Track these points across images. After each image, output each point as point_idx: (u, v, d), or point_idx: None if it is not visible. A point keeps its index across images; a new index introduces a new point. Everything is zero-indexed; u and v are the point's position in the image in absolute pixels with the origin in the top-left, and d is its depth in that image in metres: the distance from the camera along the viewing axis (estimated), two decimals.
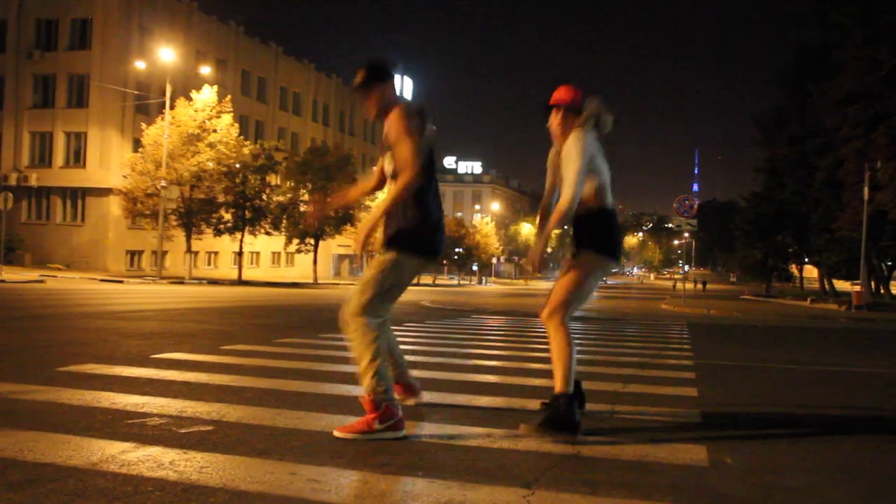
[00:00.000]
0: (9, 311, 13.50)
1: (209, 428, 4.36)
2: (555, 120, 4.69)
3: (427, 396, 5.47)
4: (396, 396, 4.52)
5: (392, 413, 4.25)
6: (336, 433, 4.23)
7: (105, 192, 45.16)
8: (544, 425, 4.32)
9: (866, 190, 29.67)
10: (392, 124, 4.35)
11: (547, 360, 8.63)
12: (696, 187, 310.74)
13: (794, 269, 73.10)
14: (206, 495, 3.10)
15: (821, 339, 15.33)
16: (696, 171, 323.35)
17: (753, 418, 5.44)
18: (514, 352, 9.86)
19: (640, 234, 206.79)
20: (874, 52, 33.60)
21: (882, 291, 45.83)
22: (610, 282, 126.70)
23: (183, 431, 4.21)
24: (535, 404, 5.58)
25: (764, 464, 4.06)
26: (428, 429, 4.54)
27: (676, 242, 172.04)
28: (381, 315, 4.44)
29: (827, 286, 54.61)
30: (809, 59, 43.53)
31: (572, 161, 4.39)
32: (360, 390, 4.34)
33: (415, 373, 6.57)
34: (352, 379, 6.50)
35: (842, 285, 56.03)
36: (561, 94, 4.69)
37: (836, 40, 38.56)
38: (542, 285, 75.81)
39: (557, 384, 4.44)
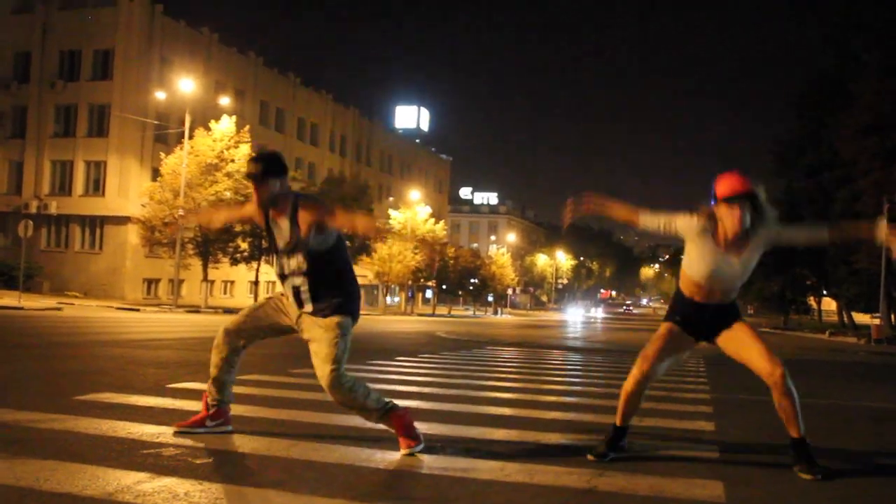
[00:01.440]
0: (27, 339, 13.58)
1: (225, 459, 4.37)
2: (734, 214, 4.40)
3: (441, 429, 5.46)
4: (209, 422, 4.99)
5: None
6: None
7: (123, 220, 45.46)
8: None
9: (884, 223, 29.45)
10: (314, 212, 4.64)
11: (560, 393, 8.64)
12: None
13: (812, 301, 72.56)
14: None
15: (841, 373, 15.20)
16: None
17: (771, 453, 5.38)
18: (528, 384, 9.84)
19: (657, 265, 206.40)
20: (892, 84, 33.55)
21: None
22: (633, 313, 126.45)
23: (199, 462, 4.22)
24: (551, 437, 5.57)
25: (782, 500, 4.03)
26: (442, 462, 4.52)
27: None
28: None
29: (846, 319, 54.21)
30: (825, 89, 43.45)
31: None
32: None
33: (429, 405, 6.57)
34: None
35: (861, 318, 55.58)
36: (744, 184, 4.42)
37: (852, 70, 38.54)
38: (550, 315, 75.71)
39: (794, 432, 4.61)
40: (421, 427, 4.85)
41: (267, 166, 4.71)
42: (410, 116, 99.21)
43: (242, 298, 52.80)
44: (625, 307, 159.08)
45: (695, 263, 4.60)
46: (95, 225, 47.00)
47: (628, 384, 4.77)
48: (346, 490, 3.79)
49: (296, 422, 5.71)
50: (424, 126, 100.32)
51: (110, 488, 3.58)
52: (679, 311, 4.78)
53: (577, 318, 74.70)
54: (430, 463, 4.47)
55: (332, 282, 4.72)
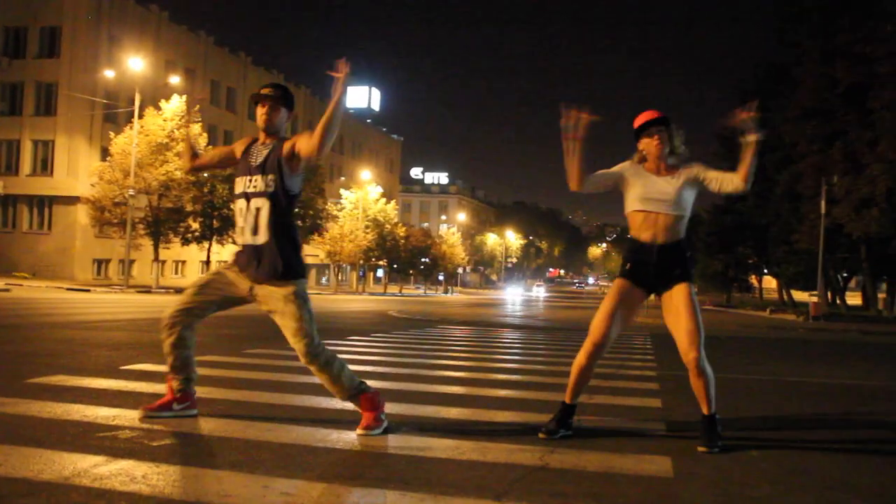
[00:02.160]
0: None
1: (181, 440, 4.35)
2: (652, 142, 4.77)
3: (396, 408, 5.48)
4: (176, 405, 4.94)
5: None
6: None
7: (72, 200, 44.70)
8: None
9: (823, 204, 30.12)
10: (299, 137, 4.64)
11: (512, 371, 8.71)
12: None
13: (753, 279, 73.88)
14: None
15: (781, 350, 15.53)
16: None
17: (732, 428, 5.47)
18: (481, 362, 9.92)
19: (604, 244, 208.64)
20: (830, 71, 34.12)
21: (838, 302, 46.50)
22: (578, 289, 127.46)
23: (155, 444, 4.19)
24: (503, 415, 5.63)
25: (729, 475, 4.11)
26: (396, 441, 4.55)
27: None
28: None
29: (786, 297, 55.30)
30: (768, 75, 44.09)
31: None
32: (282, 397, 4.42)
33: (382, 384, 6.59)
34: (322, 390, 6.50)
35: (800, 296, 56.74)
36: (655, 113, 4.82)
37: (794, 58, 39.15)
38: (496, 294, 75.96)
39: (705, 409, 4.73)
40: None
41: (285, 94, 4.76)
42: (361, 96, 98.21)
43: (193, 277, 52.05)
44: (577, 283, 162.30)
45: (632, 196, 4.81)
46: (44, 205, 45.99)
47: (580, 357, 4.83)
48: (302, 470, 3.80)
49: (252, 402, 5.69)
50: (375, 106, 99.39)
51: (66, 472, 3.53)
52: (629, 259, 4.88)
53: (517, 298, 70.85)
54: (386, 443, 4.50)
55: (289, 235, 4.65)
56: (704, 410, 4.73)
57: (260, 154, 4.66)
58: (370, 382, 5.02)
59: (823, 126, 34.95)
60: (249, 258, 4.64)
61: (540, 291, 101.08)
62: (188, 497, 3.28)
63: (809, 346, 16.94)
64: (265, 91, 4.72)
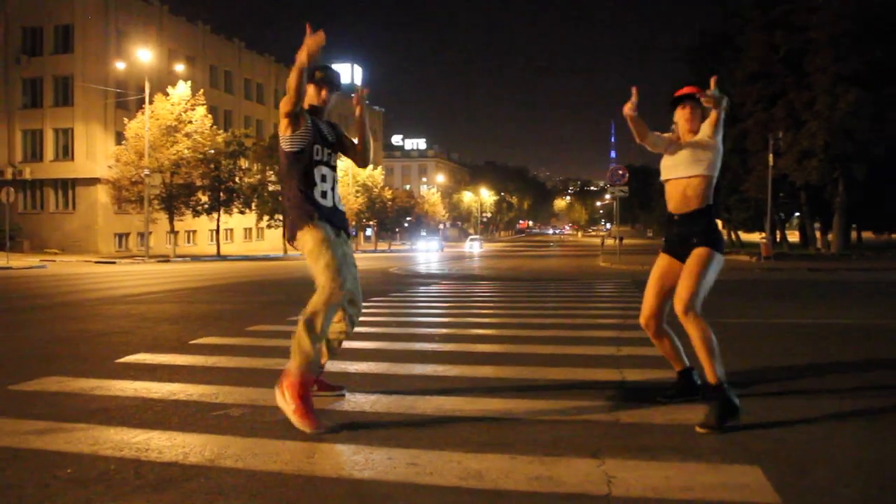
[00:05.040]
0: (31, 300, 13.00)
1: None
2: (684, 113, 4.55)
3: (505, 371, 5.46)
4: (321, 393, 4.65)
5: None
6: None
7: (93, 181, 44.34)
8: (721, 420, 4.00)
9: (770, 157, 30.30)
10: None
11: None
12: (613, 154, 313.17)
13: None
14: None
15: (761, 291, 15.22)
16: (612, 140, 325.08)
17: (757, 379, 5.36)
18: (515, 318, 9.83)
19: (568, 197, 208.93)
20: (771, 38, 34.34)
21: (779, 240, 46.93)
22: (551, 237, 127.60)
23: (269, 420, 4.15)
24: (552, 373, 5.50)
25: (782, 422, 4.12)
26: (501, 410, 4.54)
27: (599, 204, 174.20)
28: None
29: (734, 238, 55.79)
30: (713, 41, 43.97)
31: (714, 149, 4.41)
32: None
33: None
34: (368, 356, 6.46)
35: (745, 236, 57.33)
36: (688, 89, 4.56)
37: (736, 26, 39.20)
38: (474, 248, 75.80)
39: (710, 376, 4.11)
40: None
41: (339, 80, 4.57)
42: (345, 73, 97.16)
43: (204, 246, 52.23)
44: (555, 230, 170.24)
45: (663, 166, 4.61)
46: (67, 187, 45.56)
47: (652, 339, 4.63)
48: (372, 439, 3.81)
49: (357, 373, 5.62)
50: (358, 81, 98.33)
51: (208, 454, 3.50)
52: (665, 232, 4.70)
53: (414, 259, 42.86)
54: (492, 406, 4.49)
55: None
56: (678, 367, 4.62)
57: (326, 133, 4.47)
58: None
59: (767, 88, 35.16)
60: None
61: (474, 247, 72.79)
62: (329, 472, 3.29)
63: (780, 287, 16.77)
64: (327, 75, 4.51)
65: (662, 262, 4.60)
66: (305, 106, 4.37)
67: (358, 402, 4.63)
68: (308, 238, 4.20)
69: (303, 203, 4.25)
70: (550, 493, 3.02)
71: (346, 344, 5.04)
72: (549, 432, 3.92)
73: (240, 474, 3.23)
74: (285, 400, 4.01)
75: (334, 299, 4.10)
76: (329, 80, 4.47)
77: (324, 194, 4.32)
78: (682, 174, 4.45)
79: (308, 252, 4.20)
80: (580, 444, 3.69)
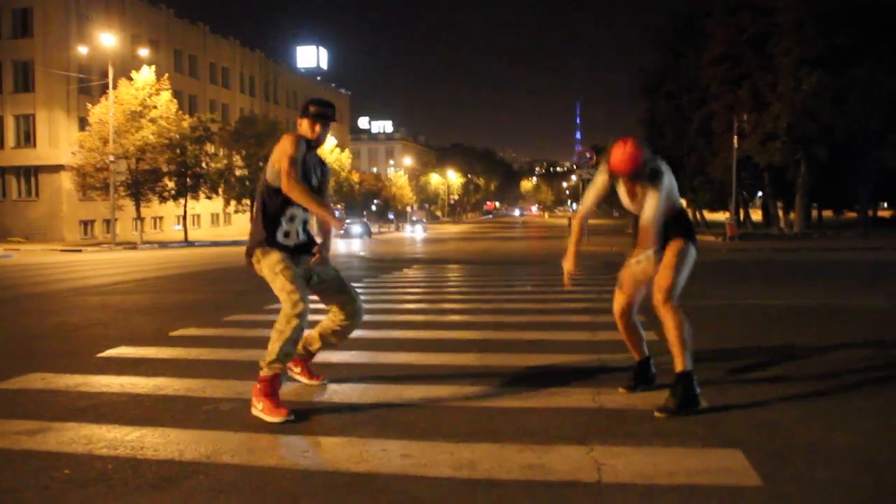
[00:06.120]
0: (1, 293, 12.91)
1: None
2: (627, 184, 4.45)
3: (486, 359, 5.52)
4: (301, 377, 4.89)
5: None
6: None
7: (56, 168, 43.57)
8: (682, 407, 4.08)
9: (735, 138, 30.69)
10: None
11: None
12: (578, 135, 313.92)
13: None
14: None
15: (735, 273, 15.31)
16: (578, 122, 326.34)
17: (728, 358, 5.51)
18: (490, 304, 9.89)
19: (534, 178, 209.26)
20: (737, 22, 34.72)
21: (743, 219, 47.53)
22: (517, 218, 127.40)
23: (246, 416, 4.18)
24: (535, 359, 5.57)
25: (759, 404, 4.24)
26: (486, 398, 4.63)
27: (565, 185, 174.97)
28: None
29: (699, 217, 56.37)
30: (680, 24, 44.22)
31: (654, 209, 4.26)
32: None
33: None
34: (350, 345, 6.40)
35: (710, 216, 57.91)
36: (628, 165, 4.23)
37: (703, 8, 39.50)
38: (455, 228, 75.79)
39: (679, 364, 4.18)
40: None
41: (333, 114, 4.63)
42: (311, 56, 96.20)
43: (171, 232, 51.64)
44: (521, 212, 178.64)
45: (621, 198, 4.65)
46: (30, 174, 44.70)
47: (622, 331, 4.75)
48: (357, 427, 3.88)
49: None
50: (324, 65, 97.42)
51: (203, 450, 3.53)
52: (635, 228, 4.68)
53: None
54: (472, 400, 4.58)
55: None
56: (636, 356, 4.76)
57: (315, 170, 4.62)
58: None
59: (732, 70, 35.49)
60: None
61: (417, 231, 64.61)
62: (326, 466, 3.35)
63: (746, 268, 17.00)
64: (329, 113, 4.58)
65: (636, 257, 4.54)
66: None
67: (346, 392, 4.69)
68: (263, 264, 4.41)
69: (262, 230, 4.42)
70: (543, 481, 3.11)
71: None
72: (536, 420, 4.02)
73: (237, 470, 3.27)
74: (257, 408, 4.13)
75: (296, 311, 4.25)
76: (323, 115, 4.50)
77: (286, 234, 4.47)
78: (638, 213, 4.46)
79: (265, 276, 4.43)
80: (568, 431, 3.79)
